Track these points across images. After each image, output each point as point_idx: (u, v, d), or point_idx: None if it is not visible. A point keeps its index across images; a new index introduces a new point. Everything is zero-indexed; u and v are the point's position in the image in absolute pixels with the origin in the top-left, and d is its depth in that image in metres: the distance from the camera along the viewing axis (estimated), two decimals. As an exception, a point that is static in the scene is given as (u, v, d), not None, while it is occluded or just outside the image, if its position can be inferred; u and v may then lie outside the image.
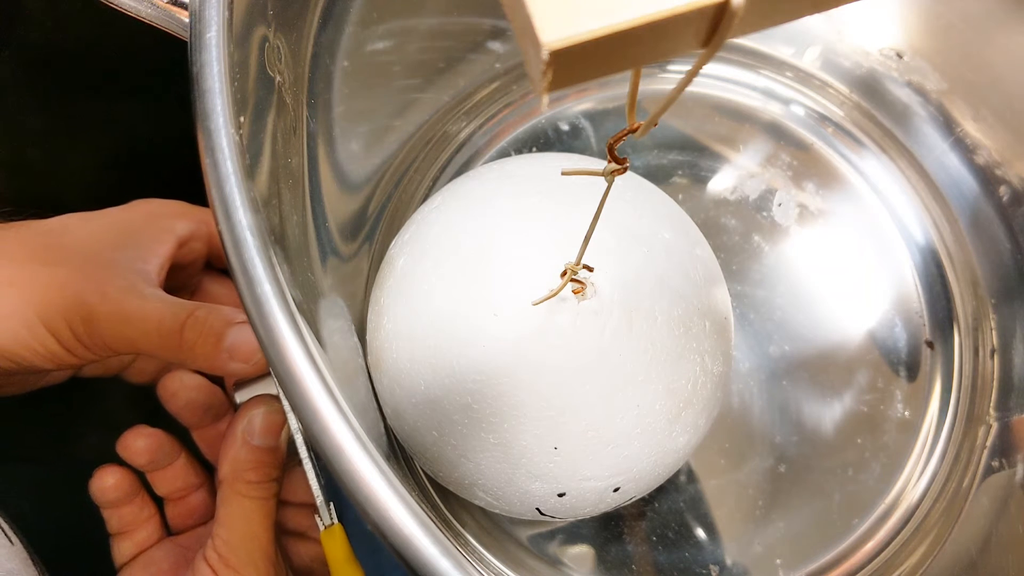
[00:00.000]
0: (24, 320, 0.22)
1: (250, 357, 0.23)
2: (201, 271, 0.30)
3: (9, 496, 0.25)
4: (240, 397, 0.26)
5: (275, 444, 0.25)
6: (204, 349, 0.23)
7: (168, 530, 0.29)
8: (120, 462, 0.27)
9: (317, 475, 0.25)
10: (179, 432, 0.28)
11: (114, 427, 0.27)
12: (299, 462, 0.25)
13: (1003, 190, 0.33)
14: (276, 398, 0.25)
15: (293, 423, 0.25)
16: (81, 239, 0.25)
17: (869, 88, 0.37)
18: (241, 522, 0.25)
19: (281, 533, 0.28)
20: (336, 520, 0.25)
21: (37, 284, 0.23)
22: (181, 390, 0.27)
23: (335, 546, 0.25)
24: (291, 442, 0.25)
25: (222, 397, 0.28)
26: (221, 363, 0.23)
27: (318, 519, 0.25)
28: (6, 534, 0.24)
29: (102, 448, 0.27)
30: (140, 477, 0.28)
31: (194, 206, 0.28)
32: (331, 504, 0.25)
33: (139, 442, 0.27)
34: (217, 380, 0.29)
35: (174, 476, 0.28)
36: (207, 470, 0.29)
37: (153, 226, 0.26)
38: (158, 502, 0.28)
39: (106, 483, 0.27)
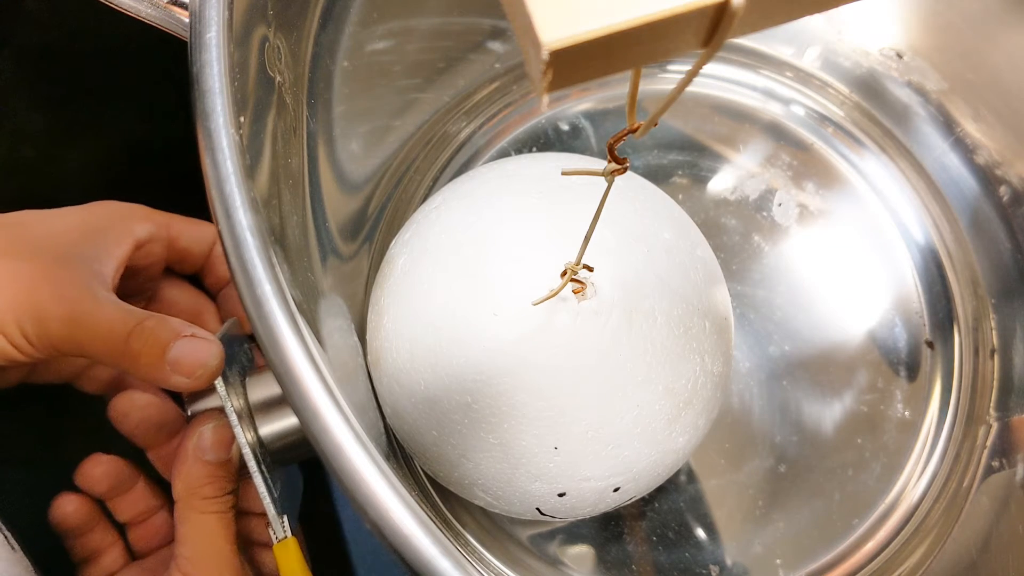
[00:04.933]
0: None
1: (192, 371, 0.23)
2: (160, 276, 0.29)
3: (6, 502, 0.25)
4: (192, 409, 0.26)
5: (227, 458, 0.25)
6: (148, 360, 0.23)
7: (132, 554, 0.28)
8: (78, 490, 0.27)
9: (269, 489, 0.25)
10: (136, 451, 0.28)
11: (110, 435, 0.27)
12: (250, 476, 0.25)
13: (1003, 190, 0.33)
14: (223, 412, 0.25)
15: (240, 437, 0.24)
16: (38, 236, 0.24)
17: (869, 88, 0.37)
18: (202, 538, 0.24)
19: (246, 543, 0.27)
20: (289, 533, 0.25)
21: None
22: (132, 410, 0.27)
23: (289, 559, 0.24)
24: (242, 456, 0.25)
25: (175, 414, 0.28)
26: (164, 375, 0.23)
27: (271, 532, 0.25)
28: (8, 541, 0.24)
29: (94, 453, 0.27)
30: (100, 504, 0.28)
31: (155, 210, 0.28)
32: (284, 517, 0.25)
33: (97, 470, 0.27)
34: (171, 394, 0.28)
35: (135, 501, 0.28)
36: (165, 490, 0.29)
37: (111, 227, 0.26)
38: (120, 527, 0.28)
39: (66, 510, 0.26)
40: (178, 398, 0.28)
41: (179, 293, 0.30)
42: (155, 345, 0.23)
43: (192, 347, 0.23)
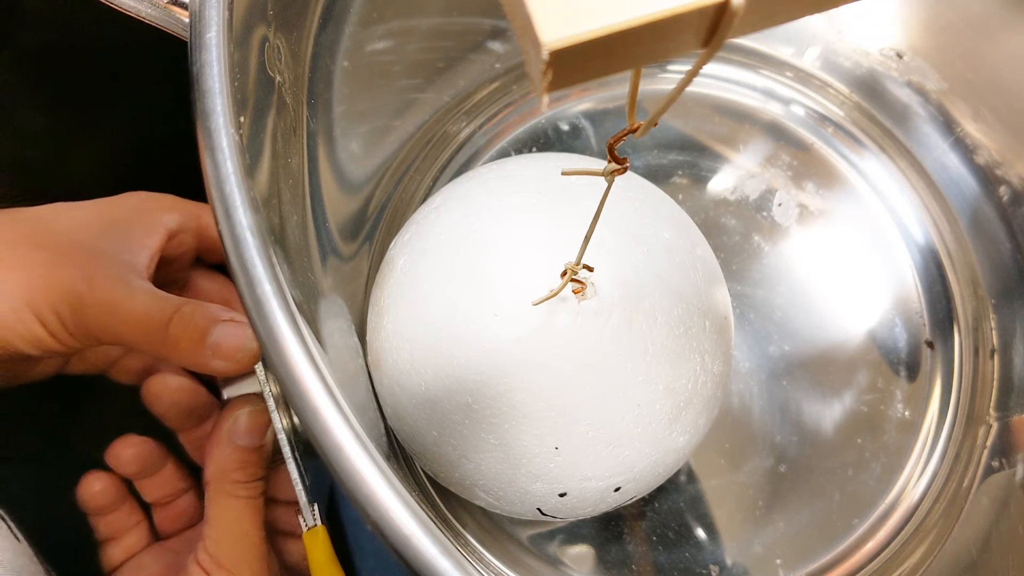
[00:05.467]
0: (10, 302, 0.22)
1: (233, 355, 0.23)
2: (190, 266, 0.29)
3: (11, 495, 0.25)
4: (228, 393, 0.26)
5: (260, 443, 0.25)
6: (188, 345, 0.23)
7: (156, 535, 0.28)
8: (107, 468, 0.27)
9: (301, 476, 0.25)
10: (165, 434, 0.28)
11: (114, 425, 0.27)
12: (283, 462, 0.25)
13: (1003, 190, 0.33)
14: (260, 397, 0.25)
15: (276, 423, 0.25)
16: (71, 227, 0.25)
17: (869, 88, 0.37)
18: (230, 522, 0.25)
19: (272, 532, 0.28)
20: (319, 521, 0.25)
21: (25, 267, 0.23)
22: (164, 392, 0.27)
23: (317, 547, 0.25)
24: (276, 441, 0.25)
25: (206, 398, 0.28)
26: (204, 360, 0.23)
27: (301, 520, 0.25)
28: (13, 532, 0.24)
29: (102, 447, 0.27)
30: (127, 483, 0.28)
31: (184, 200, 0.28)
32: (315, 505, 0.25)
33: (128, 451, 0.27)
34: (204, 380, 0.29)
35: (162, 482, 0.28)
36: (193, 473, 0.29)
37: (143, 218, 0.26)
38: (145, 507, 0.28)
39: (94, 489, 0.27)
40: (210, 384, 0.28)
41: (210, 282, 0.30)
42: (195, 330, 0.23)
43: (232, 331, 0.23)
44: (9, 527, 0.24)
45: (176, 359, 0.23)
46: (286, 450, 0.25)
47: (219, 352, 0.23)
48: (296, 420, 0.25)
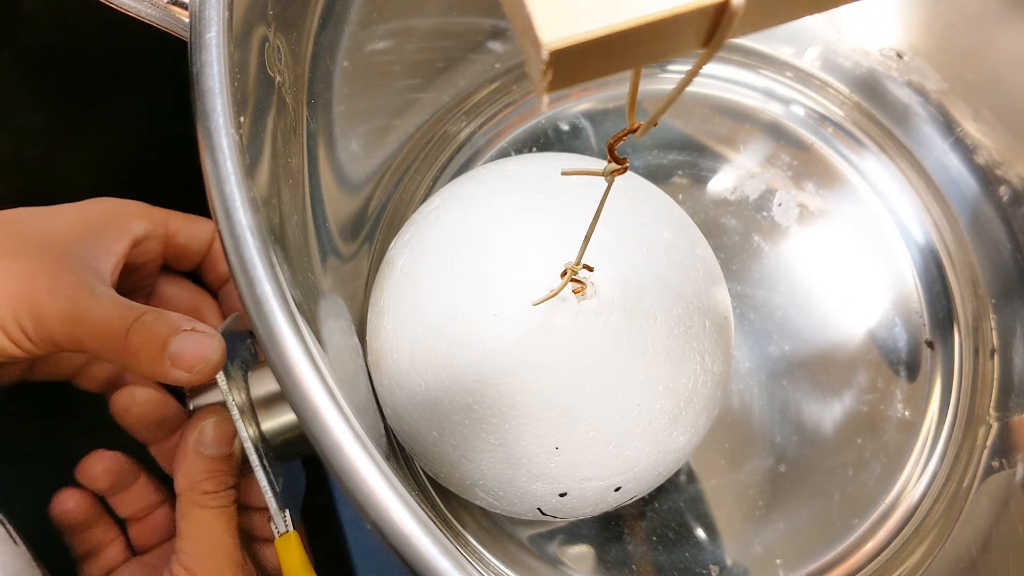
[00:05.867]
0: None
1: (192, 366, 0.22)
2: (157, 273, 0.29)
3: (8, 497, 0.25)
4: (194, 404, 0.26)
5: (228, 452, 0.25)
6: (148, 355, 0.22)
7: (133, 549, 0.28)
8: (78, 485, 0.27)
9: (270, 482, 0.24)
10: (140, 447, 0.28)
11: (112, 430, 0.27)
12: (252, 470, 0.25)
13: (1003, 190, 0.33)
14: (224, 406, 0.25)
15: (241, 431, 0.24)
16: (35, 232, 0.24)
17: (869, 88, 0.37)
18: (204, 533, 0.24)
19: (248, 539, 0.27)
20: (291, 528, 0.25)
21: None
22: (132, 405, 0.27)
23: (290, 554, 0.24)
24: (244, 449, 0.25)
25: (176, 409, 0.28)
26: (164, 370, 0.22)
27: (273, 527, 0.25)
28: (11, 535, 0.24)
29: (95, 449, 0.27)
30: (101, 499, 0.28)
31: (153, 207, 0.28)
32: (286, 511, 0.25)
33: (98, 467, 0.27)
34: (173, 390, 0.28)
35: (135, 497, 0.28)
36: (167, 485, 0.29)
37: (109, 224, 0.26)
38: (120, 522, 0.28)
39: (67, 506, 0.26)
40: (179, 394, 0.28)
41: (178, 290, 0.30)
42: (155, 339, 0.22)
43: (193, 341, 0.23)
44: (7, 530, 0.24)
45: (136, 368, 0.23)
46: (253, 458, 0.24)
47: (179, 362, 0.22)
48: (263, 428, 0.25)
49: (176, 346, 0.22)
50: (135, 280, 0.28)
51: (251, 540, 0.28)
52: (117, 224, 0.26)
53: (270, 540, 0.28)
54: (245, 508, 0.27)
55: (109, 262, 0.25)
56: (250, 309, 0.15)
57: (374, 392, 0.27)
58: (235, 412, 0.24)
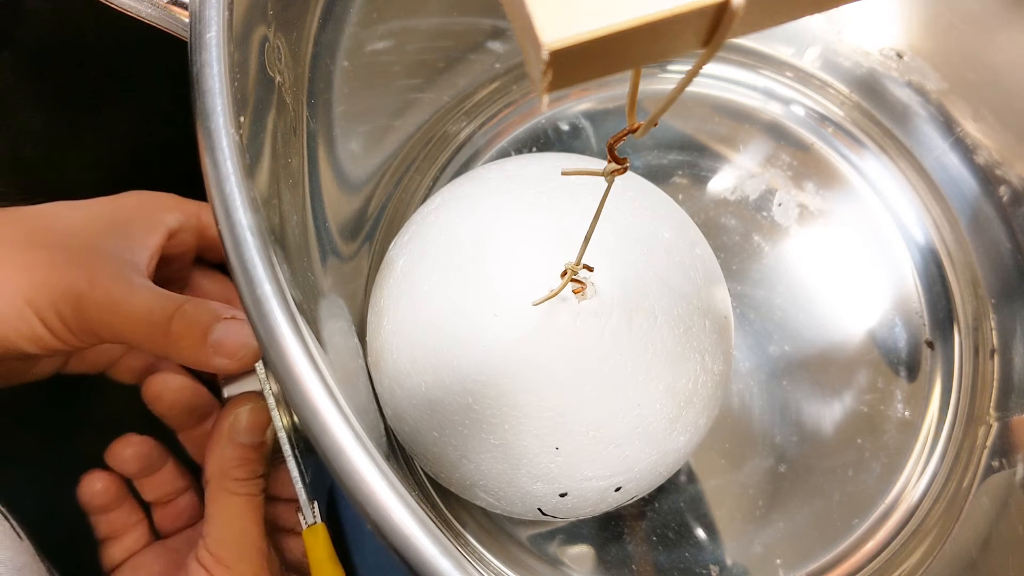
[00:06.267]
0: (11, 300, 0.22)
1: (235, 353, 0.23)
2: (191, 265, 0.29)
3: (13, 493, 0.25)
4: (228, 392, 0.26)
5: (260, 441, 0.25)
6: (190, 343, 0.23)
7: (156, 533, 0.28)
8: (106, 467, 0.27)
9: (301, 473, 0.25)
10: (165, 433, 0.28)
11: (115, 424, 0.27)
12: (283, 459, 0.25)
13: (1003, 190, 0.33)
14: (261, 395, 0.25)
15: (276, 420, 0.25)
16: (72, 226, 0.25)
17: (869, 88, 0.37)
18: (231, 519, 0.25)
19: (272, 529, 0.28)
20: (319, 519, 0.25)
21: (26, 266, 0.23)
22: (165, 392, 0.27)
23: (317, 545, 0.25)
24: (276, 439, 0.25)
25: (207, 398, 0.28)
26: (206, 358, 0.23)
27: (301, 517, 0.25)
28: (15, 530, 0.24)
29: (104, 445, 0.27)
30: (127, 482, 0.28)
31: (185, 199, 0.28)
32: (315, 503, 0.25)
33: (128, 451, 0.27)
34: (203, 379, 0.29)
35: (162, 481, 0.28)
36: (193, 472, 0.29)
37: (143, 217, 0.26)
38: (145, 506, 0.28)
39: (95, 488, 0.27)
40: (210, 383, 0.28)
41: (210, 281, 0.30)
42: (196, 328, 0.23)
43: (234, 329, 0.23)
44: (11, 525, 0.24)
45: (178, 357, 0.23)
46: (286, 448, 0.25)
47: (221, 350, 0.23)
48: (296, 418, 0.25)
49: (218, 334, 0.23)
50: (170, 272, 0.28)
51: (275, 531, 0.28)
52: (151, 216, 0.26)
53: (293, 532, 0.29)
54: (271, 499, 0.28)
55: (145, 254, 0.25)
56: (250, 309, 0.15)
57: (374, 392, 0.27)
58: (271, 401, 0.25)
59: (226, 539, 0.24)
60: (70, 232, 0.24)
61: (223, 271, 0.31)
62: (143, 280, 0.24)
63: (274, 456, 0.26)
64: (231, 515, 0.25)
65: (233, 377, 0.26)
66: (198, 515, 0.29)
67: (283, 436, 0.25)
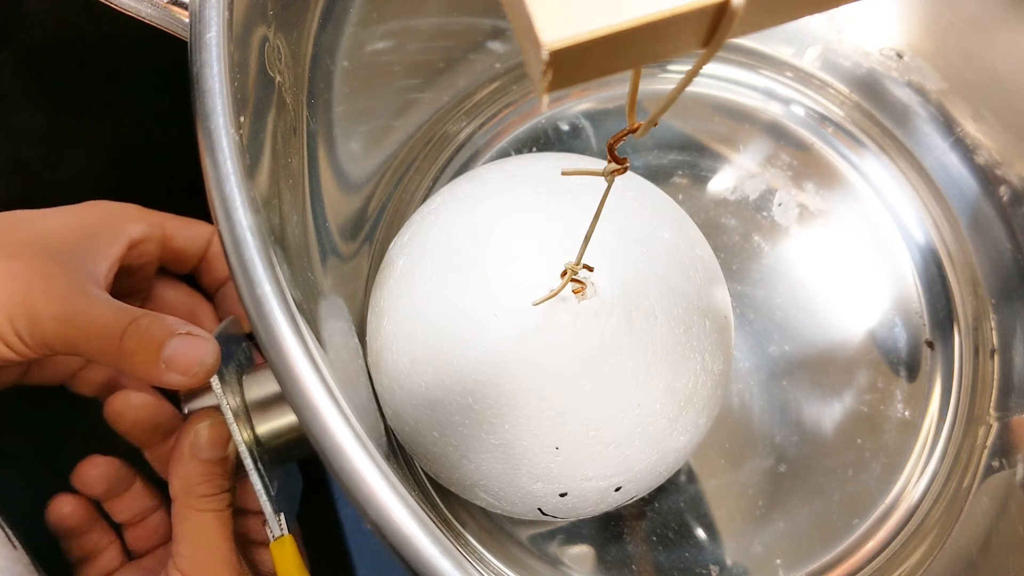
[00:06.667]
0: None
1: (188, 370, 0.22)
2: (154, 276, 0.29)
3: (8, 501, 0.25)
4: (189, 407, 0.26)
5: (223, 455, 0.25)
6: (143, 358, 0.22)
7: (129, 554, 0.28)
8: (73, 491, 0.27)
9: (265, 486, 0.24)
10: (136, 450, 0.28)
11: (110, 432, 0.27)
12: (247, 474, 0.25)
13: (1003, 190, 0.33)
14: (219, 410, 0.25)
15: (236, 435, 0.24)
16: (29, 235, 0.24)
17: (869, 88, 0.37)
18: (199, 536, 0.24)
19: (244, 542, 0.27)
20: (286, 531, 0.25)
21: None
22: (128, 410, 0.26)
23: (284, 557, 0.24)
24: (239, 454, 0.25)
25: (171, 413, 0.28)
26: (158, 373, 0.22)
27: (268, 530, 0.24)
28: (9, 539, 0.24)
29: (99, 453, 0.27)
30: (97, 504, 0.28)
31: (149, 210, 0.28)
32: (280, 515, 0.25)
33: (94, 472, 0.27)
34: (167, 395, 0.28)
35: (131, 501, 0.28)
36: (162, 490, 0.29)
37: (106, 227, 0.26)
38: (116, 527, 0.28)
39: (63, 511, 0.26)
40: (174, 398, 0.28)
41: (174, 293, 0.30)
42: (150, 343, 0.22)
43: (188, 345, 0.23)
44: (6, 534, 0.24)
45: (131, 371, 0.23)
46: (247, 462, 0.24)
47: (174, 366, 0.22)
48: (258, 431, 0.25)
49: (171, 350, 0.22)
50: (132, 283, 0.28)
51: (247, 544, 0.28)
52: (113, 227, 0.26)
53: (266, 544, 0.28)
54: (241, 512, 0.27)
55: (104, 265, 0.25)
56: (250, 309, 0.15)
57: (374, 392, 0.27)
58: (229, 416, 0.24)
59: (196, 557, 0.24)
60: (28, 242, 0.24)
61: (188, 282, 0.30)
62: (99, 292, 0.24)
63: (240, 470, 0.26)
64: (199, 532, 0.24)
65: (193, 393, 0.26)
66: (170, 534, 0.28)
67: (243, 450, 0.24)
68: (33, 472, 0.29)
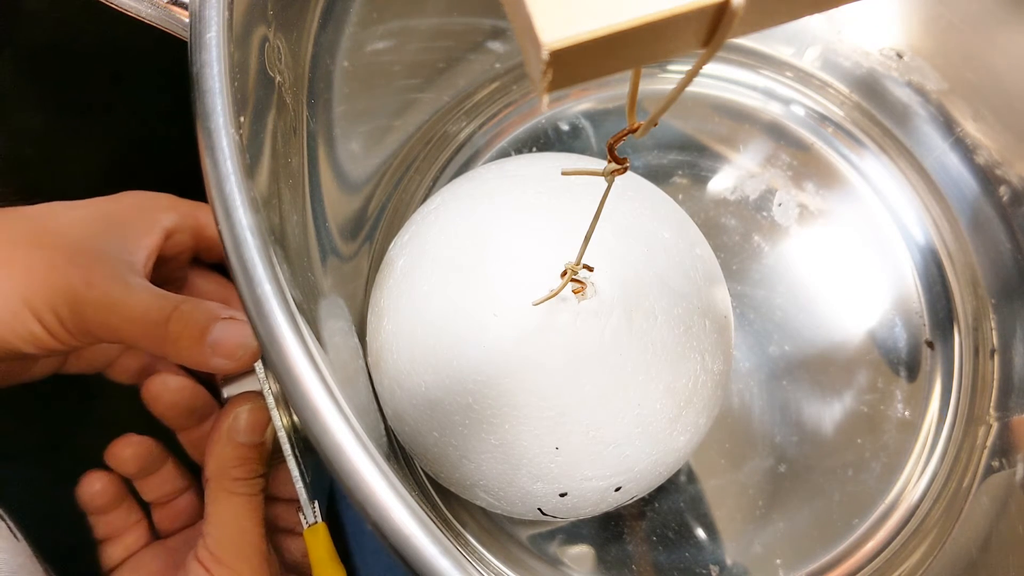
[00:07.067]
0: (8, 302, 0.22)
1: (233, 353, 0.23)
2: (188, 265, 0.29)
3: (10, 494, 0.25)
4: (228, 392, 0.26)
5: (260, 440, 0.25)
6: (188, 343, 0.23)
7: (155, 533, 0.28)
8: (105, 467, 0.27)
9: (301, 473, 0.25)
10: (164, 433, 0.28)
11: (113, 425, 0.27)
12: (283, 459, 0.25)
13: (1003, 190, 0.33)
14: (260, 395, 0.25)
15: (276, 420, 0.25)
16: (69, 226, 0.25)
17: (869, 88, 0.37)
18: (231, 519, 0.25)
19: (272, 529, 0.28)
20: (320, 519, 0.25)
21: (23, 266, 0.23)
22: (164, 392, 0.27)
23: (318, 545, 0.25)
24: (276, 439, 0.25)
25: (206, 398, 0.28)
26: (204, 358, 0.23)
27: (302, 517, 0.25)
28: (12, 531, 0.24)
29: (102, 446, 0.27)
30: (126, 482, 0.28)
31: (181, 199, 0.28)
32: (315, 502, 0.25)
33: (127, 451, 0.27)
34: (202, 380, 0.29)
35: (161, 482, 0.28)
36: (192, 472, 0.29)
37: (140, 217, 0.26)
38: (144, 506, 0.28)
39: (94, 488, 0.27)
40: (209, 383, 0.28)
41: (207, 282, 0.30)
42: (195, 327, 0.23)
43: (232, 329, 0.23)
44: (8, 526, 0.24)
45: (176, 357, 0.23)
46: (286, 448, 0.25)
47: (219, 350, 0.23)
48: (295, 418, 0.25)
49: (216, 334, 0.23)
50: (167, 272, 0.28)
51: (275, 531, 0.28)
52: (148, 216, 0.26)
53: (292, 532, 0.29)
54: (271, 499, 0.28)
55: (142, 254, 0.25)
56: (250, 309, 0.15)
57: (374, 392, 0.27)
58: (271, 400, 0.25)
59: (226, 539, 0.24)
60: (68, 233, 0.24)
61: (220, 271, 0.31)
62: (140, 280, 0.24)
63: (274, 456, 0.26)
64: (231, 515, 0.25)
65: (232, 377, 0.26)
66: (197, 515, 0.29)
67: (283, 436, 0.25)
68: (35, 466, 0.29)
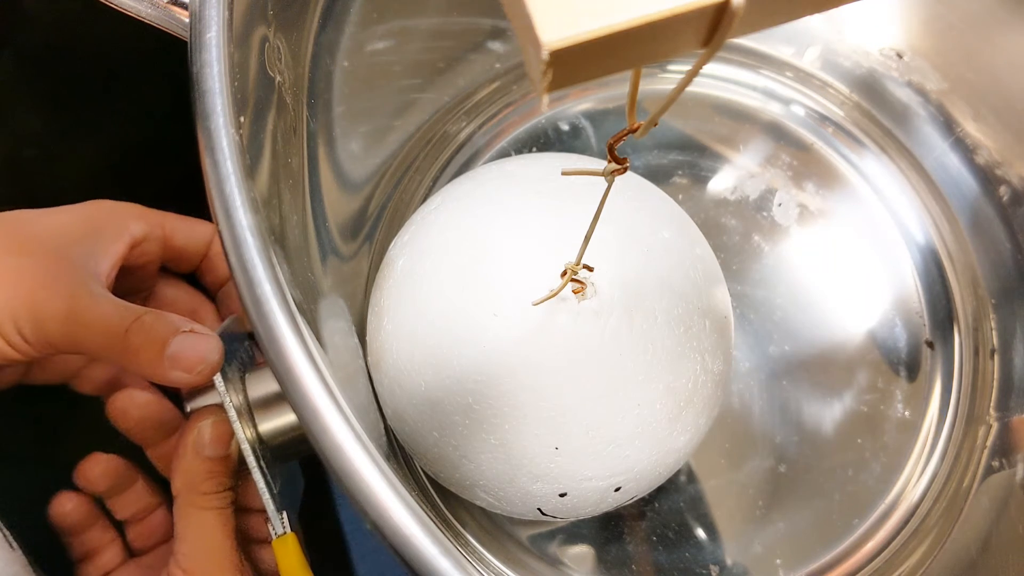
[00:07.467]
0: None
1: (192, 367, 0.22)
2: (155, 275, 0.29)
3: (5, 502, 0.25)
4: (191, 406, 0.26)
5: (226, 453, 0.25)
6: (147, 355, 0.22)
7: (131, 551, 0.28)
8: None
9: (268, 484, 0.25)
10: (137, 449, 0.28)
11: (108, 433, 0.27)
12: (249, 472, 0.25)
13: (1003, 190, 0.33)
14: (221, 408, 0.25)
15: (239, 433, 0.24)
16: (32, 234, 0.24)
17: (869, 88, 0.37)
18: (201, 534, 0.24)
19: (245, 540, 0.27)
20: (288, 529, 0.25)
21: None
22: (130, 407, 0.26)
23: (287, 555, 0.24)
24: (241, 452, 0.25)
25: (174, 413, 0.28)
26: (163, 371, 0.22)
27: (270, 528, 0.25)
28: (7, 540, 0.24)
29: (91, 451, 0.27)
30: (99, 501, 0.28)
31: (149, 209, 0.28)
32: (283, 513, 0.25)
33: (96, 469, 0.27)
34: (169, 394, 0.28)
35: (133, 499, 0.28)
36: (164, 487, 0.29)
37: (107, 226, 0.26)
38: (118, 524, 0.28)
39: (65, 508, 0.27)
40: (176, 396, 0.28)
41: (176, 292, 0.30)
42: (154, 340, 0.22)
43: (192, 342, 0.23)
44: (4, 535, 0.24)
45: (135, 369, 0.23)
46: (250, 460, 0.24)
47: (178, 363, 0.22)
48: (260, 429, 0.25)
49: (175, 347, 0.22)
50: (133, 282, 0.28)
51: (248, 542, 0.28)
52: (115, 226, 0.26)
53: (267, 542, 0.28)
54: (243, 510, 0.27)
55: (106, 263, 0.25)
56: (250, 309, 0.15)
57: (374, 392, 0.27)
58: (232, 414, 0.24)
59: (197, 554, 0.24)
60: (31, 241, 0.24)
61: (189, 281, 0.30)
62: (103, 290, 0.24)
63: (242, 468, 0.26)
64: (201, 530, 0.24)
65: (196, 391, 0.26)
66: (171, 531, 0.28)
67: (246, 448, 0.24)
68: (30, 473, 0.29)
